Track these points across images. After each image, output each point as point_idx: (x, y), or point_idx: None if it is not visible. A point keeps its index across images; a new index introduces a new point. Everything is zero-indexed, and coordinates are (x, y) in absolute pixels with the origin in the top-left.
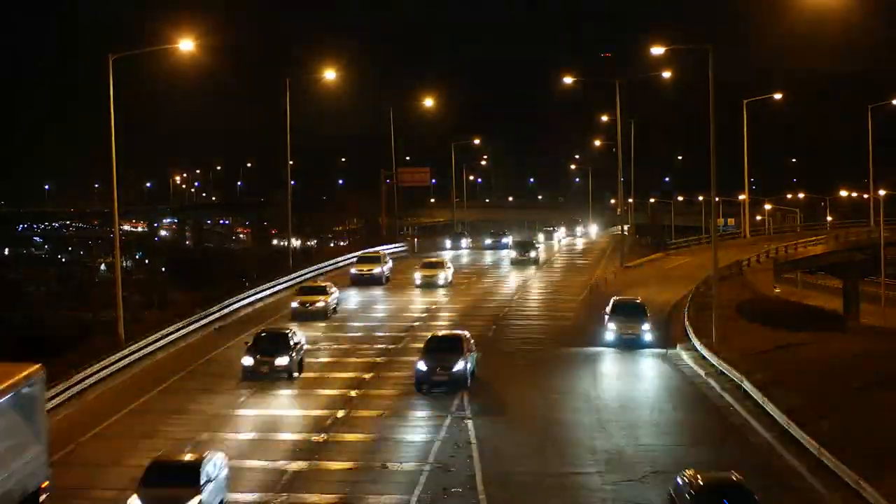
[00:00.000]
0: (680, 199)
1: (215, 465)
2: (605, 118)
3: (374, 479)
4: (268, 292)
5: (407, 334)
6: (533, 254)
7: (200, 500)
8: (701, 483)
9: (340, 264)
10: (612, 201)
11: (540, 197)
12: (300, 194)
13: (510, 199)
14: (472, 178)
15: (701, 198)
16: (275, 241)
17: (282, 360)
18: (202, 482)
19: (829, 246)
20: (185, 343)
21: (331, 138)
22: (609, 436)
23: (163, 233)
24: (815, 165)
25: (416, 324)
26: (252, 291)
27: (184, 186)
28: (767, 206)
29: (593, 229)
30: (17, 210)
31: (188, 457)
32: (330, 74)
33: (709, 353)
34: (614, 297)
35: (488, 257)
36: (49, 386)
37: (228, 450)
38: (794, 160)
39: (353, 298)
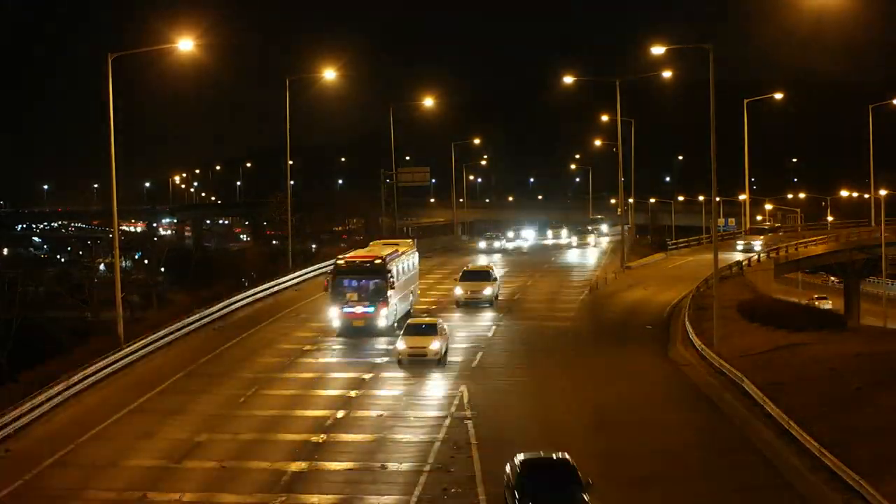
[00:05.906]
0: (680, 199)
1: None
2: (605, 118)
3: (374, 479)
4: (267, 292)
5: None
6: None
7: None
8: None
9: None
10: (613, 201)
11: (540, 196)
12: (300, 194)
13: (510, 198)
14: (472, 177)
15: (701, 198)
16: (274, 242)
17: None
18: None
19: (829, 246)
20: (185, 343)
21: (331, 138)
22: (609, 438)
23: (162, 232)
24: (815, 165)
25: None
26: (252, 291)
27: (183, 186)
28: (768, 206)
29: (604, 228)
30: (16, 210)
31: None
32: (330, 74)
33: (709, 352)
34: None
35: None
36: (48, 386)
37: (228, 450)
38: (794, 160)
39: None
